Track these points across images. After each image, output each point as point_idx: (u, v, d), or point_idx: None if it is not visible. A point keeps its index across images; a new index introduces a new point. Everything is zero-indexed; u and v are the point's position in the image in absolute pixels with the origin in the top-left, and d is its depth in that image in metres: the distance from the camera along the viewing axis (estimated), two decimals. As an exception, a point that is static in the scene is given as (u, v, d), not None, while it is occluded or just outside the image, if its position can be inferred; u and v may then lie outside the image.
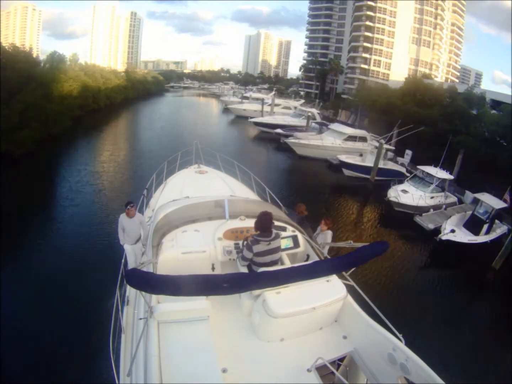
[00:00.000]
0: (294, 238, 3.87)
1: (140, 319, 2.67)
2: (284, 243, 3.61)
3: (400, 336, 2.55)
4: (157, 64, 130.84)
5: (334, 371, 2.26)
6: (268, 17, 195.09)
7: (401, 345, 2.41)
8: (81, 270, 6.49)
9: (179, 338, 2.39)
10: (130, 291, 3.66)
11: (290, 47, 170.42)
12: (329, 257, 3.61)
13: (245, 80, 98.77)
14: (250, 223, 3.79)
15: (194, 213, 3.94)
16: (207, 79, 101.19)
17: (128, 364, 2.42)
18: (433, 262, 9.67)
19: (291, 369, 2.48)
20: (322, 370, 2.47)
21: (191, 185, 5.72)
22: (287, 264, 3.45)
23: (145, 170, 12.28)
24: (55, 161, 14.89)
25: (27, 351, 4.63)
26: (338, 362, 2.81)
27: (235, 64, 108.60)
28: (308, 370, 2.42)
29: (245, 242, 3.34)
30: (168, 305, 2.57)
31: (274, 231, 3.27)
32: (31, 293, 5.87)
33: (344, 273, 3.03)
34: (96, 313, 4.78)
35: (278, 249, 3.27)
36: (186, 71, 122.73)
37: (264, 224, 3.18)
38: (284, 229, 3.83)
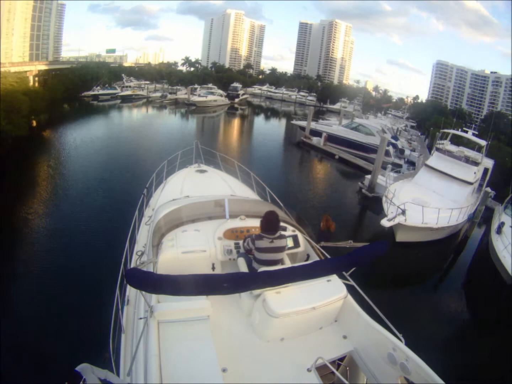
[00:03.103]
0: (295, 238, 3.88)
1: (140, 318, 2.67)
2: None
3: (400, 336, 2.55)
4: (90, 60, 77.25)
5: (334, 370, 2.26)
6: (220, 8, 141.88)
7: (401, 345, 2.41)
8: (80, 269, 6.48)
9: (179, 338, 2.38)
10: (130, 291, 3.66)
11: (264, 34, 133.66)
12: (329, 256, 3.62)
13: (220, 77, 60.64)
14: (251, 222, 3.80)
15: (194, 212, 3.94)
16: (166, 77, 54.50)
17: (128, 364, 2.42)
18: (434, 261, 9.66)
19: (291, 369, 2.48)
20: (322, 370, 2.47)
21: (191, 184, 5.71)
22: (288, 263, 3.45)
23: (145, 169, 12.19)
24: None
25: (26, 350, 4.62)
26: (338, 362, 2.81)
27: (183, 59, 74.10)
28: (308, 370, 2.42)
29: (247, 239, 3.35)
30: (168, 305, 2.57)
31: (280, 232, 3.27)
32: (29, 292, 5.87)
33: (344, 273, 3.03)
34: (95, 312, 4.78)
35: (281, 249, 3.27)
36: (126, 64, 73.74)
37: (270, 223, 3.19)
38: (284, 228, 3.83)
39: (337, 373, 2.22)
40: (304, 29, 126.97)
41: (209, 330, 2.48)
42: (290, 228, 3.96)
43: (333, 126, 24.02)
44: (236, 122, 36.15)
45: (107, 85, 38.98)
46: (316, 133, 23.58)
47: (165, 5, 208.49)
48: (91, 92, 35.64)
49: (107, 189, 11.55)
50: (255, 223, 3.65)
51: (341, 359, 2.81)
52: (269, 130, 33.54)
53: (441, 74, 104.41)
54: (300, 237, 3.94)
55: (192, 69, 71.67)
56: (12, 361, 4.40)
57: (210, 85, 48.68)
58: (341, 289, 2.91)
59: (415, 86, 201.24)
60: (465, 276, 9.13)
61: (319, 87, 74.84)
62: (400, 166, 18.69)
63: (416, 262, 9.27)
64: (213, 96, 39.61)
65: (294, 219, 4.52)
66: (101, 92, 36.51)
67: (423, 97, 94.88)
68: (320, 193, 14.86)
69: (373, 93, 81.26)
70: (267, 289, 2.66)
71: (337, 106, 57.80)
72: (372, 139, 20.49)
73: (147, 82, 48.41)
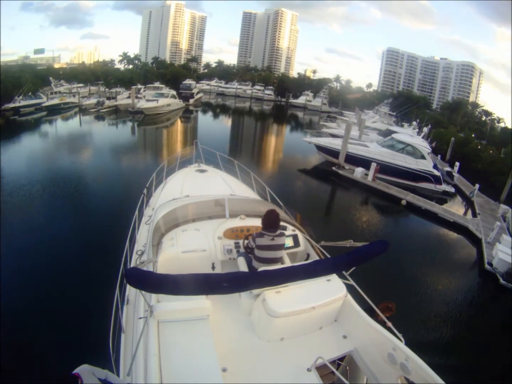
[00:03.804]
0: (295, 237, 3.88)
1: (140, 318, 2.67)
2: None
3: (400, 335, 2.55)
4: (22, 63, 60.07)
5: (334, 370, 2.26)
6: (157, 4, 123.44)
7: (401, 345, 2.41)
8: (80, 269, 6.48)
9: (179, 337, 2.38)
10: (130, 291, 3.66)
11: (205, 26, 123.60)
12: (329, 256, 3.62)
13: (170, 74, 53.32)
14: (250, 222, 3.81)
15: (194, 212, 3.95)
16: (102, 78, 44.47)
17: (128, 364, 2.42)
18: (435, 261, 9.66)
19: (291, 369, 2.48)
20: (322, 370, 2.47)
21: (191, 184, 5.72)
22: (287, 263, 3.46)
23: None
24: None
25: (25, 350, 4.62)
26: (338, 362, 2.81)
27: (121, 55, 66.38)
28: (308, 370, 2.42)
29: (246, 241, 3.36)
30: (168, 304, 2.57)
31: (280, 230, 3.29)
32: (29, 292, 5.87)
33: (344, 272, 3.03)
34: (95, 312, 4.78)
35: (281, 247, 3.29)
36: (58, 65, 63.80)
37: (271, 221, 3.22)
38: (284, 228, 3.83)
39: (337, 373, 2.22)
40: (248, 19, 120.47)
41: (209, 330, 2.48)
42: (290, 227, 3.96)
43: (370, 146, 16.67)
44: (202, 133, 25.63)
45: (30, 93, 28.31)
46: (347, 157, 15.96)
47: (101, 1, 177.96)
48: (11, 105, 25.34)
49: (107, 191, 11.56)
50: (255, 222, 3.66)
51: (341, 359, 2.81)
52: (260, 144, 25.01)
53: (392, 61, 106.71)
54: (300, 237, 3.95)
55: (131, 66, 62.81)
56: (10, 362, 4.39)
57: (157, 84, 39.09)
58: (341, 289, 2.90)
59: (354, 72, 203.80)
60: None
61: (275, 80, 67.75)
62: (449, 194, 15.07)
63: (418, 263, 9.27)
64: (165, 99, 29.77)
65: (294, 219, 4.53)
66: (23, 103, 26.08)
67: (373, 83, 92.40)
68: (414, 277, 8.24)
69: (334, 84, 72.71)
70: (267, 288, 2.66)
71: (301, 100, 52.43)
72: (423, 164, 15.26)
73: (81, 85, 38.36)
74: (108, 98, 31.29)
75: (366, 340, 2.69)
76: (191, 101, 38.37)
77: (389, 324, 2.64)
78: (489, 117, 47.98)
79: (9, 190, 10.49)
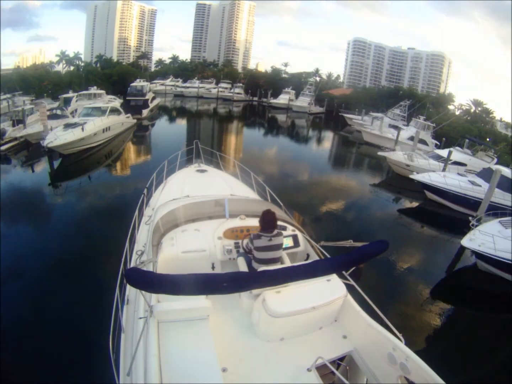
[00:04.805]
0: (294, 238, 3.89)
1: (140, 318, 2.67)
2: (284, 242, 3.62)
3: (400, 335, 2.55)
4: None
5: (334, 370, 2.26)
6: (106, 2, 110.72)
7: (401, 345, 2.41)
8: (80, 269, 6.48)
9: (179, 338, 2.38)
10: (130, 291, 3.66)
11: (155, 20, 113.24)
12: (329, 256, 3.62)
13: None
14: (250, 222, 3.82)
15: (194, 212, 3.96)
16: (34, 85, 33.63)
17: (128, 364, 2.42)
18: (435, 262, 9.66)
19: (291, 369, 2.48)
20: (322, 370, 2.47)
21: (191, 184, 5.72)
22: (287, 263, 3.46)
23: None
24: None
25: (24, 350, 4.62)
26: (338, 362, 2.81)
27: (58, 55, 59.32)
28: (308, 370, 2.42)
29: (245, 240, 3.37)
30: (168, 304, 2.57)
31: (277, 230, 3.29)
32: (28, 292, 5.87)
33: (344, 272, 3.03)
34: (95, 312, 4.78)
35: (279, 247, 3.29)
36: None
37: (267, 222, 3.23)
38: (284, 228, 3.84)
39: (337, 373, 2.22)
40: (201, 11, 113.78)
41: (209, 330, 2.48)
42: (290, 227, 3.96)
43: None
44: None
45: None
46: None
47: (49, 1, 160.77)
48: None
49: (107, 191, 11.55)
50: (255, 222, 3.66)
51: (341, 359, 2.81)
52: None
53: (359, 52, 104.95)
54: (300, 237, 3.95)
55: (72, 68, 53.76)
56: (9, 362, 4.39)
57: (94, 90, 26.66)
58: (341, 289, 2.90)
59: (308, 64, 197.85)
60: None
61: (242, 75, 59.52)
62: None
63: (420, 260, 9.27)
64: (99, 121, 16.29)
65: (294, 219, 4.53)
66: None
67: (335, 74, 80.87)
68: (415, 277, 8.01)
69: (315, 79, 59.11)
70: (266, 288, 2.66)
71: (282, 100, 43.39)
72: None
73: (6, 96, 25.35)
74: (14, 123, 17.48)
75: (366, 340, 2.69)
76: (145, 112, 25.90)
77: (389, 324, 2.64)
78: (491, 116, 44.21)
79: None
